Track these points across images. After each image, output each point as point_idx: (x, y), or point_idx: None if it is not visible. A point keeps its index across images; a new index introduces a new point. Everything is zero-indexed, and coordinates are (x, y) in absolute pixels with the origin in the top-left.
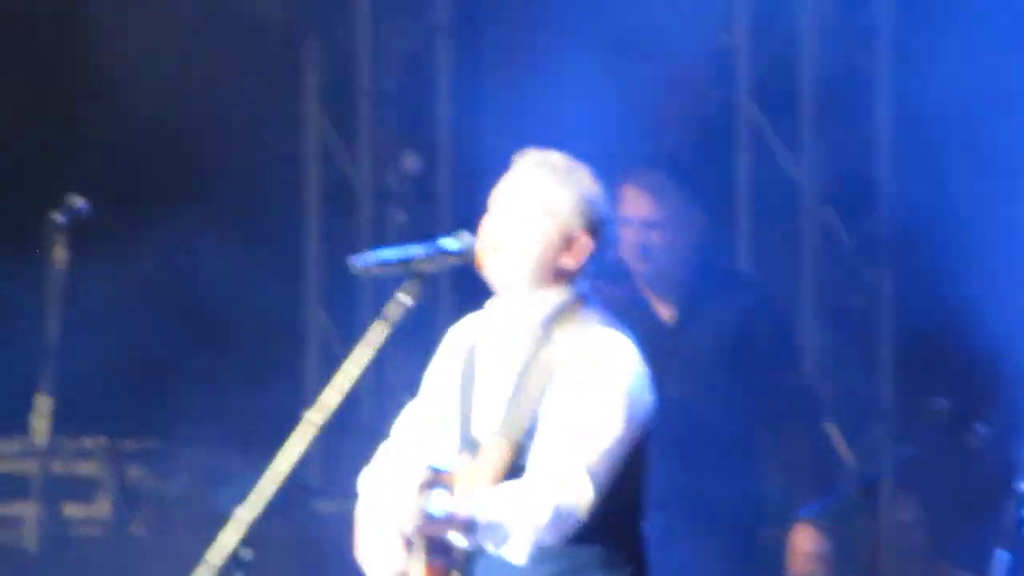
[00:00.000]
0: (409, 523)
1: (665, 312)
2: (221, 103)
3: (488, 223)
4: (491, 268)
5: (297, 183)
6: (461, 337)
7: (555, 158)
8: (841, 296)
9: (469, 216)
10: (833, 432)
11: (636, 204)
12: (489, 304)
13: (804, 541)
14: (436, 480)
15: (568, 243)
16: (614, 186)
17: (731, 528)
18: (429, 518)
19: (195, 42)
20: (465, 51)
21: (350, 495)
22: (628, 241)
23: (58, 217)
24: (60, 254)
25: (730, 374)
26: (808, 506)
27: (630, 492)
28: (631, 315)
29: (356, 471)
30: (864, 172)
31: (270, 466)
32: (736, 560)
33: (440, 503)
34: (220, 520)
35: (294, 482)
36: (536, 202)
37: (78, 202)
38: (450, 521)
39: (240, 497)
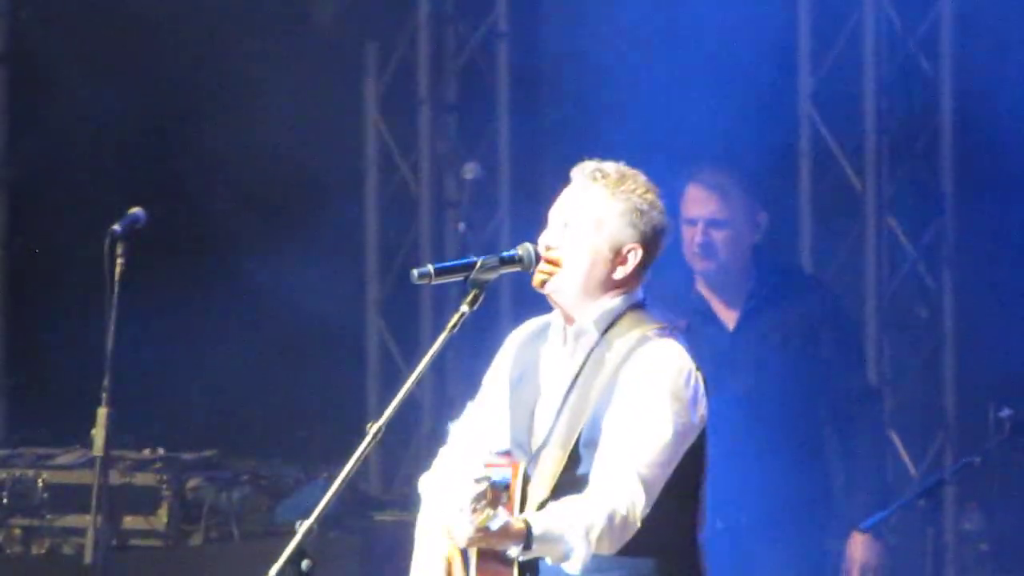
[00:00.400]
0: (464, 538)
1: (727, 315)
2: (280, 112)
3: (542, 238)
4: (546, 284)
5: (357, 192)
6: (521, 342)
7: (609, 168)
8: (904, 305)
9: (529, 225)
10: (896, 441)
11: (701, 204)
12: (551, 313)
13: (861, 552)
14: (493, 495)
15: (620, 256)
16: (680, 187)
17: (799, 535)
18: (484, 532)
19: (254, 49)
20: (525, 57)
21: (410, 506)
22: (691, 240)
23: (116, 227)
24: (118, 264)
25: (796, 375)
26: (869, 516)
27: (686, 502)
28: (692, 322)
29: (416, 482)
30: (927, 180)
31: (331, 477)
32: (804, 567)
33: (495, 519)
34: (280, 532)
35: (354, 493)
36: (587, 216)
37: (136, 211)
38: (504, 535)
39: (300, 509)
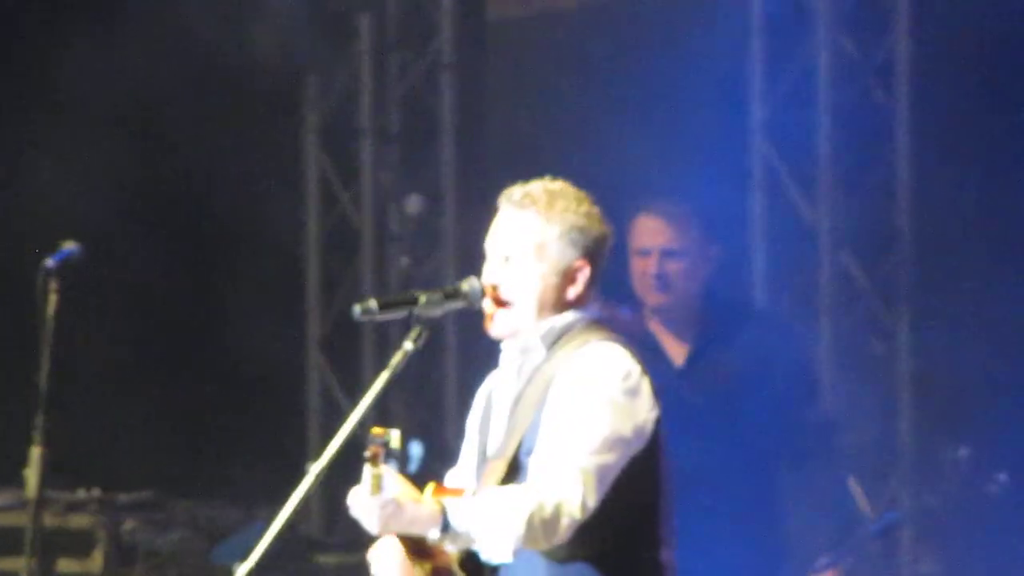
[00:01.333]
0: (373, 520)
1: (676, 351)
2: (220, 143)
3: (486, 277)
4: (497, 327)
5: (297, 226)
6: (486, 387)
7: (536, 190)
8: (859, 341)
9: (474, 258)
10: (851, 481)
11: (654, 234)
12: (503, 351)
13: None
14: (375, 451)
15: (568, 277)
16: (628, 218)
17: (751, 572)
18: (390, 506)
19: (192, 81)
20: (469, 86)
21: (351, 548)
22: (643, 272)
23: (49, 262)
24: (51, 300)
25: (748, 412)
26: (824, 556)
27: (642, 515)
28: (641, 357)
29: (358, 523)
30: (883, 213)
31: (270, 518)
32: None
33: (385, 476)
34: (218, 575)
35: (295, 534)
36: (526, 246)
37: (70, 246)
38: (416, 513)
39: (239, 551)
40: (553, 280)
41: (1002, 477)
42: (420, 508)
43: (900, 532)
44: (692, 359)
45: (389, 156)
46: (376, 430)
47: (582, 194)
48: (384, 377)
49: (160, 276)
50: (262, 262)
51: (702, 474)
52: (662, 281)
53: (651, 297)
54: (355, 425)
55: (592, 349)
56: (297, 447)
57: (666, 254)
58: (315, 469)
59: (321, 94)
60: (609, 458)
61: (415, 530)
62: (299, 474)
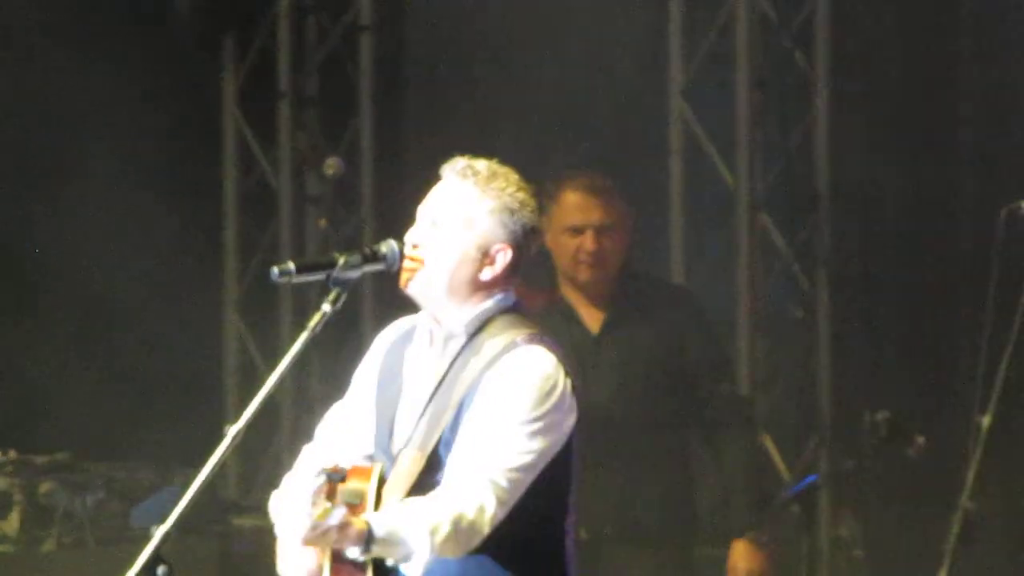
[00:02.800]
0: (301, 535)
1: (592, 319)
2: (137, 106)
3: (409, 236)
4: (411, 283)
5: (215, 188)
6: (389, 343)
7: (480, 165)
8: (778, 305)
9: (393, 222)
10: (769, 445)
11: (586, 210)
12: (419, 314)
13: (745, 560)
14: (330, 487)
15: (488, 256)
16: (550, 190)
17: (665, 543)
18: (320, 529)
19: (111, 41)
20: (387, 50)
21: (268, 511)
22: (577, 249)
23: None
24: None
25: (662, 383)
26: (747, 521)
27: (555, 509)
28: (555, 323)
29: (275, 486)
30: (802, 178)
31: (187, 481)
32: (671, 572)
33: (332, 515)
34: (135, 537)
35: (212, 497)
36: (455, 215)
37: None
38: (343, 534)
39: (156, 513)
40: (472, 254)
41: (920, 439)
42: (348, 531)
43: (818, 495)
44: (606, 328)
45: (307, 119)
46: (329, 467)
47: (525, 183)
48: (302, 339)
49: (77, 242)
50: (179, 222)
51: (616, 443)
52: (598, 257)
53: (584, 273)
54: (272, 387)
55: (519, 356)
56: (214, 409)
57: (600, 230)
58: (232, 431)
59: (238, 57)
60: (527, 474)
61: (338, 547)
62: (216, 436)
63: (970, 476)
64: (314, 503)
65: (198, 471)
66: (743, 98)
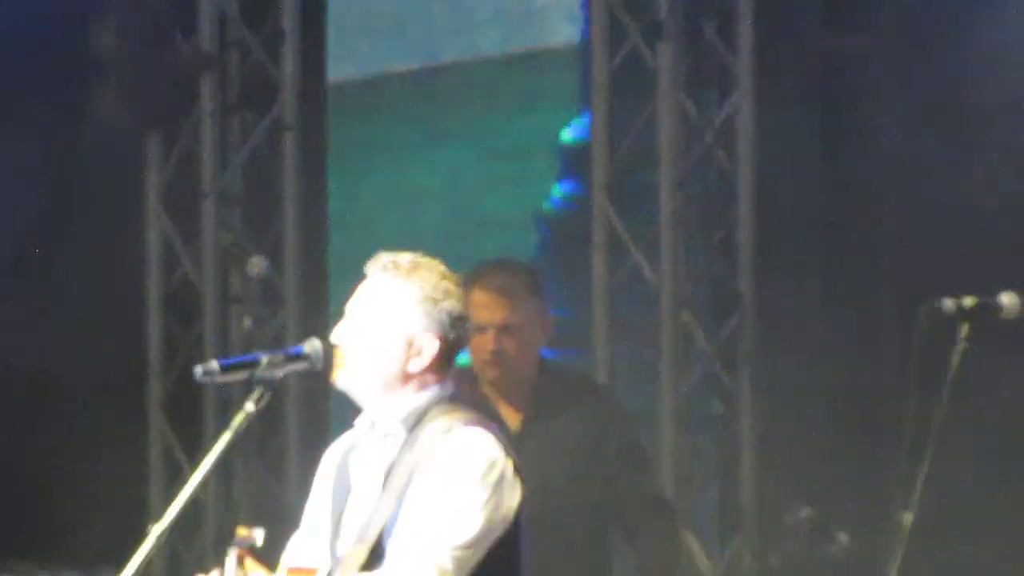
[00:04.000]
0: None
1: (512, 417)
2: (58, 202)
3: (336, 333)
4: (340, 379)
5: (137, 287)
6: (334, 457)
7: (403, 259)
8: (700, 403)
9: (317, 320)
10: (692, 542)
11: (490, 309)
12: (358, 418)
13: None
14: (241, 553)
15: (412, 347)
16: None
17: None
18: None
19: (26, 131)
20: (310, 149)
21: None
22: (480, 348)
23: None
24: None
25: (580, 484)
26: None
27: None
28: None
29: None
30: (724, 275)
31: None
32: None
33: None
34: None
35: None
36: (378, 309)
37: None
38: None
39: None
40: (397, 346)
41: (843, 537)
42: None
43: None
44: (526, 425)
45: (231, 218)
46: (241, 531)
47: (449, 272)
48: (225, 438)
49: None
50: (104, 322)
51: (534, 542)
52: (498, 357)
53: (488, 372)
54: (196, 487)
55: (457, 438)
56: (138, 508)
57: (502, 330)
58: (156, 531)
59: (162, 154)
60: (469, 553)
61: None
62: (141, 535)
63: (893, 574)
64: None
65: (122, 571)
66: (666, 195)
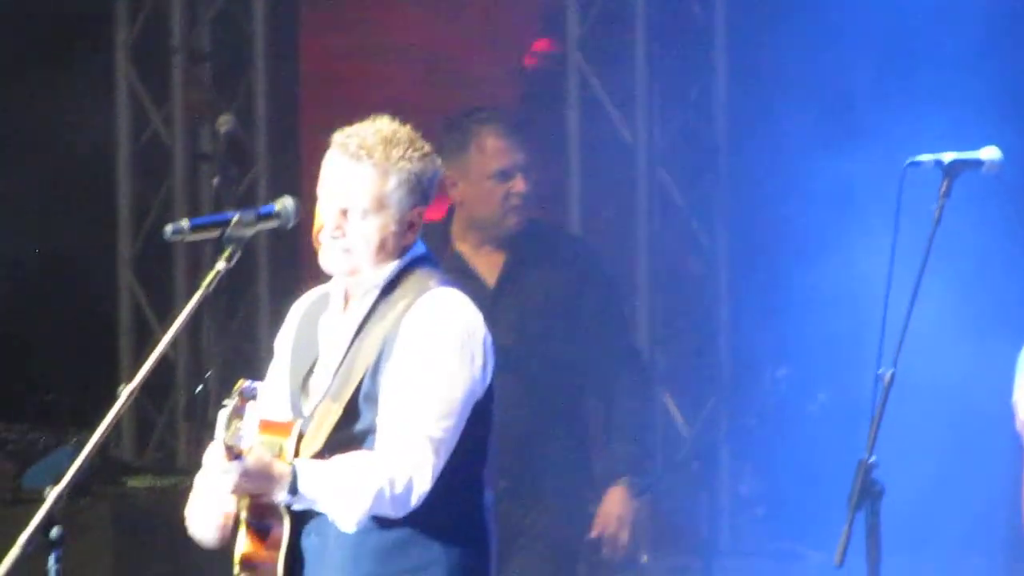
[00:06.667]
0: (217, 471)
1: (489, 268)
2: (29, 60)
3: (322, 220)
4: (334, 265)
5: (107, 146)
6: (303, 312)
7: (371, 140)
8: (677, 260)
9: (286, 178)
10: (669, 403)
11: (509, 153)
12: (331, 281)
13: (615, 504)
14: (241, 401)
15: (407, 224)
16: (464, 136)
17: (560, 497)
18: (240, 469)
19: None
20: (281, 4)
21: (164, 471)
22: (507, 194)
23: None
24: None
25: (557, 336)
26: (625, 467)
27: (471, 459)
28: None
29: (170, 446)
30: (700, 131)
31: (81, 442)
32: (566, 528)
33: (241, 435)
34: (28, 499)
35: (106, 458)
36: (366, 200)
37: None
38: (266, 473)
39: (49, 474)
40: (393, 229)
41: (821, 396)
42: (271, 471)
43: (719, 451)
44: (504, 277)
45: (201, 75)
46: (242, 383)
47: (415, 135)
48: (196, 297)
49: None
50: (73, 180)
51: (511, 396)
52: (528, 200)
53: (514, 218)
54: (167, 346)
55: (432, 300)
56: (108, 369)
57: (525, 172)
58: (127, 391)
59: (131, 13)
60: (456, 421)
61: (264, 491)
62: (111, 397)
63: (872, 430)
64: (226, 426)
65: (92, 432)
66: (641, 50)
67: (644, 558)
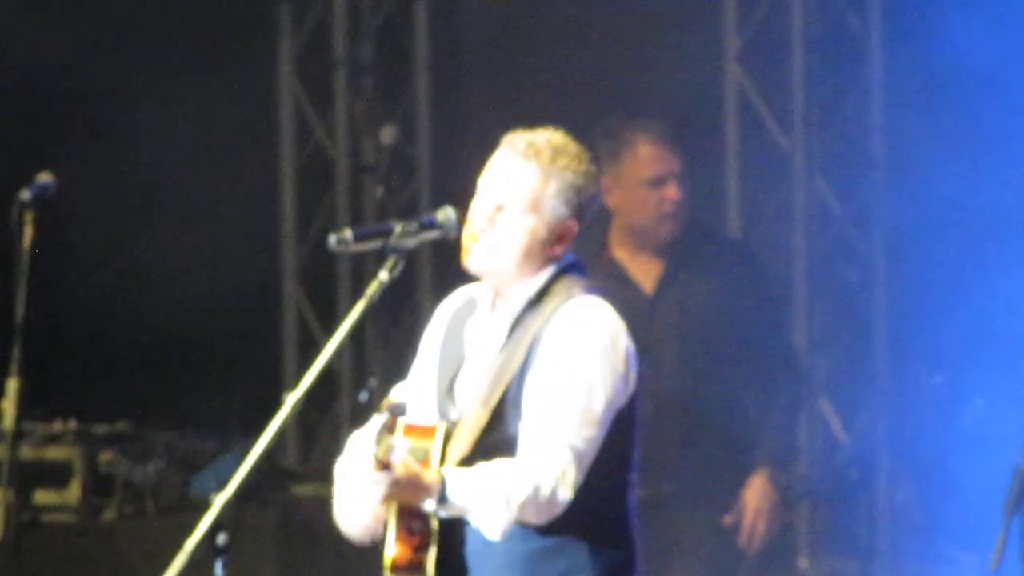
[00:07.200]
0: (367, 476)
1: (647, 275)
2: (193, 73)
3: (475, 214)
4: (478, 263)
5: (272, 156)
6: (451, 312)
7: (541, 142)
8: (834, 268)
9: (449, 189)
10: (826, 408)
11: (665, 160)
12: (479, 283)
13: (755, 495)
14: (392, 421)
15: (557, 234)
16: (619, 144)
17: (721, 501)
18: (394, 481)
19: (164, 11)
20: (444, 17)
21: (328, 478)
22: (660, 201)
23: (25, 194)
24: (27, 233)
25: (717, 342)
26: (771, 457)
27: (616, 464)
28: (607, 287)
29: (334, 454)
30: (857, 140)
31: (246, 449)
32: (726, 535)
33: (395, 450)
34: (195, 506)
35: (271, 465)
36: (522, 198)
37: (45, 179)
38: (416, 482)
39: (216, 481)
40: (542, 235)
41: (978, 402)
42: (421, 480)
43: (877, 460)
44: (662, 284)
45: (363, 86)
46: (390, 400)
47: (583, 152)
48: (359, 307)
49: (135, 207)
50: (238, 192)
51: (672, 403)
52: (681, 207)
53: (668, 225)
54: (331, 356)
55: (578, 308)
56: (273, 377)
57: (680, 179)
58: (291, 399)
59: (295, 24)
60: (598, 431)
61: (413, 500)
62: (275, 404)
63: None
64: (377, 441)
65: (257, 439)
66: (798, 61)
67: (803, 563)
